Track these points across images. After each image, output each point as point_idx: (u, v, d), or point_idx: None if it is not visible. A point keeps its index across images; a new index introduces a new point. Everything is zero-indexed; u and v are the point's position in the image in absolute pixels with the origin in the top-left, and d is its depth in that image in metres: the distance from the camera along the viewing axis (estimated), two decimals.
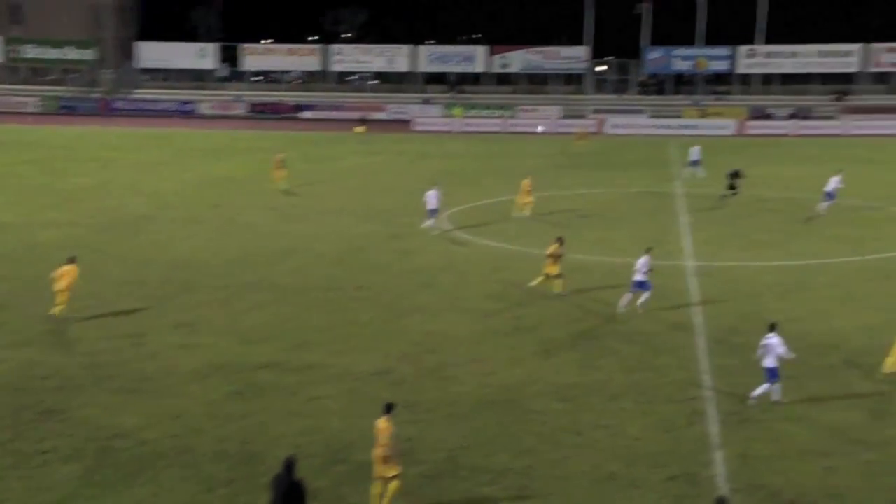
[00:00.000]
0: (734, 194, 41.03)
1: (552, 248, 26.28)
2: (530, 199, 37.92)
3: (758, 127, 78.11)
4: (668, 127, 78.18)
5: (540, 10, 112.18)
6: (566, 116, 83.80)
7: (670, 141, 69.46)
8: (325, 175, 51.10)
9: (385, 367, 20.70)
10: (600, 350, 21.96)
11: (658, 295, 25.18)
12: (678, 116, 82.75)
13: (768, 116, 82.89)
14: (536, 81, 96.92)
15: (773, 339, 18.61)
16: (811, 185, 42.00)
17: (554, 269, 26.17)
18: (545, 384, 19.77)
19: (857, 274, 29.11)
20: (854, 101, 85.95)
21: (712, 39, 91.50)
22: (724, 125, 77.39)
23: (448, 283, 28.05)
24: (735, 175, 41.38)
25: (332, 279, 28.43)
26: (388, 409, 14.74)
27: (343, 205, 41.55)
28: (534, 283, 26.56)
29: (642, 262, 24.60)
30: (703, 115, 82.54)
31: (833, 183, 38.66)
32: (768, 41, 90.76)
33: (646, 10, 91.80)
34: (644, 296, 24.60)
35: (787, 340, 18.83)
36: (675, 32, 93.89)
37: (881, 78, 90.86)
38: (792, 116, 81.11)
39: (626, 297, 24.80)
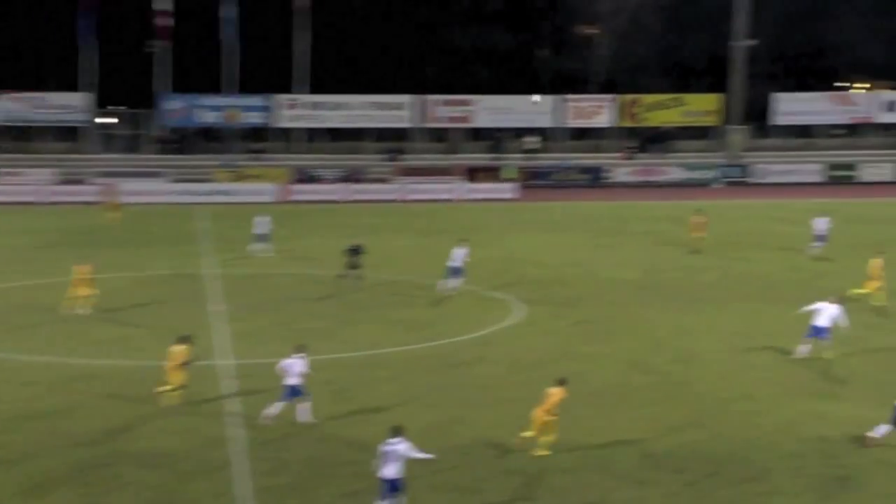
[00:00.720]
0: (357, 275, 42.65)
1: (179, 351, 25.84)
2: (93, 289, 36.82)
3: (304, 192, 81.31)
4: (196, 193, 78.97)
5: (21, 45, 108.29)
6: (64, 181, 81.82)
7: (198, 210, 70.25)
8: None
9: None
10: (110, 480, 21.40)
11: (185, 403, 25.11)
12: (208, 180, 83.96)
13: (315, 179, 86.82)
14: (20, 137, 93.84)
15: (401, 445, 19.09)
16: (371, 261, 44.19)
17: (179, 378, 25.73)
18: None
19: (419, 364, 31.01)
20: (409, 160, 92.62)
21: (247, 87, 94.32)
22: (263, 190, 79.69)
23: None
24: (355, 251, 42.82)
25: None
26: None
27: None
28: (168, 401, 25.82)
29: (289, 363, 24.70)
30: (239, 178, 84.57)
31: (458, 257, 41.20)
32: (313, 91, 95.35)
33: (161, 50, 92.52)
34: (304, 405, 24.65)
35: (346, 453, 19.49)
36: (199, 78, 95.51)
37: (437, 134, 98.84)
38: (343, 179, 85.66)
39: (275, 407, 24.66)
